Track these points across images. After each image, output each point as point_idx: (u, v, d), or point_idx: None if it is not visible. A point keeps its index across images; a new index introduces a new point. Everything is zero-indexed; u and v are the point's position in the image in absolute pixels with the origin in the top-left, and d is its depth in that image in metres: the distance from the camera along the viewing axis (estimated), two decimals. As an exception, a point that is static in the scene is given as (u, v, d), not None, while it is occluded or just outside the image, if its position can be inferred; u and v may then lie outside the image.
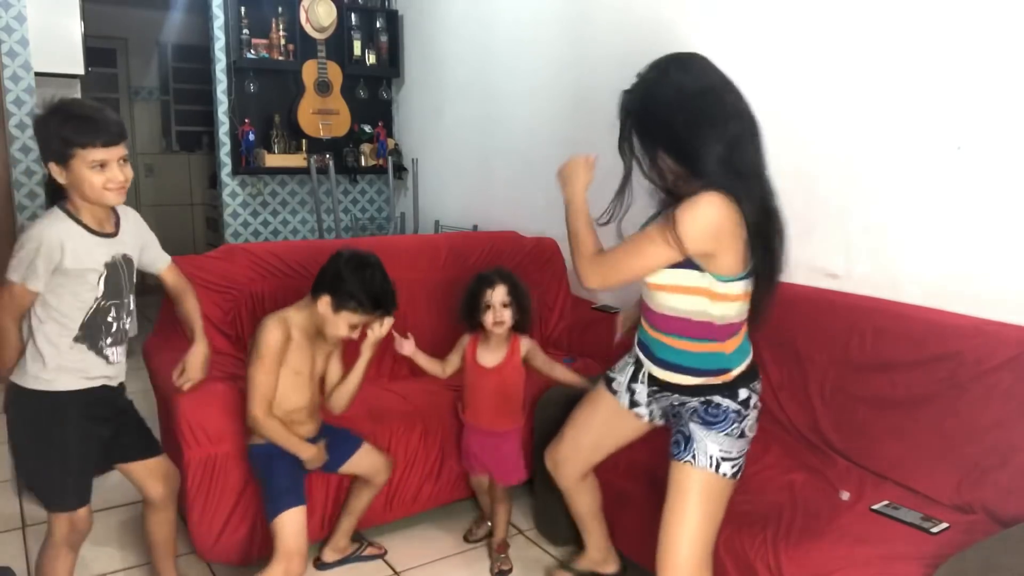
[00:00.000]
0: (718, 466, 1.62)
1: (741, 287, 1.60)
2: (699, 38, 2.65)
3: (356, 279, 1.92)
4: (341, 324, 1.94)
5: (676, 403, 1.73)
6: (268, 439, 1.94)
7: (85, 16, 4.18)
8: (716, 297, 1.59)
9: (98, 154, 1.60)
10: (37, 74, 3.89)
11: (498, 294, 2.15)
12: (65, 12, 4.07)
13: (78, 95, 4.43)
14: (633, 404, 1.84)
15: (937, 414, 1.89)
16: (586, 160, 1.77)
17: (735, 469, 1.65)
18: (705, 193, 1.50)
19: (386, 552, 2.34)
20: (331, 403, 2.10)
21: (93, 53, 4.75)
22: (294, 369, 1.96)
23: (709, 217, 1.49)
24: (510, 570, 2.27)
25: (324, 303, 1.93)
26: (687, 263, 1.57)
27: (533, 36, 3.50)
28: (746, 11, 2.50)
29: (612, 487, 2.10)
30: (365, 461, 2.15)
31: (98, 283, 1.69)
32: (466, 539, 2.46)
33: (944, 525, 1.68)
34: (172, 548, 2.01)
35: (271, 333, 1.90)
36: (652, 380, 1.78)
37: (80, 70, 4.21)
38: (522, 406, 2.28)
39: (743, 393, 1.67)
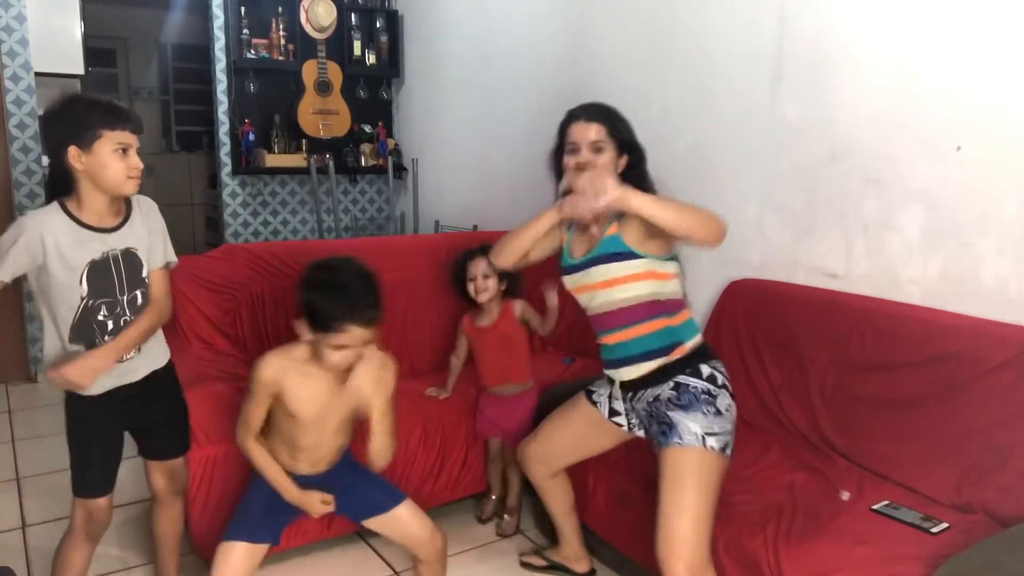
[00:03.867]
0: (704, 440, 1.66)
1: (674, 266, 1.78)
2: (696, 38, 2.65)
3: (313, 289, 1.66)
4: (329, 352, 1.67)
5: (651, 399, 1.78)
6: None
7: (85, 16, 4.19)
8: (659, 276, 1.74)
9: (126, 137, 1.62)
10: (37, 74, 3.89)
11: (479, 266, 2.28)
12: (65, 12, 4.07)
13: (78, 95, 4.43)
14: (613, 414, 1.91)
15: (937, 414, 1.89)
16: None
17: (722, 444, 1.69)
18: None
19: None
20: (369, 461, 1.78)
21: (93, 53, 4.75)
22: (291, 410, 1.75)
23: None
24: (512, 535, 2.41)
25: (301, 328, 1.67)
26: (627, 255, 1.72)
27: (533, 36, 3.50)
28: (745, 10, 2.50)
29: (612, 487, 2.10)
30: (398, 525, 1.83)
31: (80, 282, 1.64)
32: (479, 519, 2.53)
33: (944, 525, 1.68)
34: (175, 545, 2.00)
35: (259, 370, 1.73)
36: (625, 388, 1.85)
37: (80, 70, 4.21)
38: (528, 364, 2.38)
39: (705, 370, 1.74)
